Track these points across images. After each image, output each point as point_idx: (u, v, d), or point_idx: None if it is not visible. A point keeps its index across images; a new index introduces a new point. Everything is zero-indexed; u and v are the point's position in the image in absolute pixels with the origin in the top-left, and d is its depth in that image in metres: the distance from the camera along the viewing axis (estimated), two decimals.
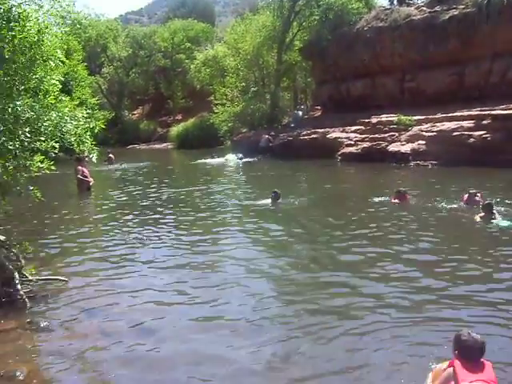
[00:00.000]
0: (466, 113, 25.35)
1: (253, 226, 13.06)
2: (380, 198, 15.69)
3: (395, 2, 37.37)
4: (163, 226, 13.10)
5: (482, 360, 4.63)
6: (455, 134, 24.39)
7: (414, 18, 30.59)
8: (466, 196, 14.25)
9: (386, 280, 8.43)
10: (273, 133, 36.16)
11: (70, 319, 7.27)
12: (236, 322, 7.00)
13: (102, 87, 63.44)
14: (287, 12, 39.14)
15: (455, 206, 14.23)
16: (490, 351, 4.89)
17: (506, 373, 5.40)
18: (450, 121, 25.50)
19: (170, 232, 12.33)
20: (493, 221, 12.09)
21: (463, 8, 28.40)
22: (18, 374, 5.78)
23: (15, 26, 7.61)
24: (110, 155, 32.31)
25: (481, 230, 11.92)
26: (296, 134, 33.48)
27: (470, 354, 4.64)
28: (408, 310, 7.20)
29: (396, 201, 15.03)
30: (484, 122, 23.97)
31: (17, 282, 7.89)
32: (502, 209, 13.21)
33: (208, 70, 50.80)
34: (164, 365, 5.95)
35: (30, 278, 8.48)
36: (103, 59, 65.71)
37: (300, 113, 38.69)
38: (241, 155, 33.02)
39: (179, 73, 62.51)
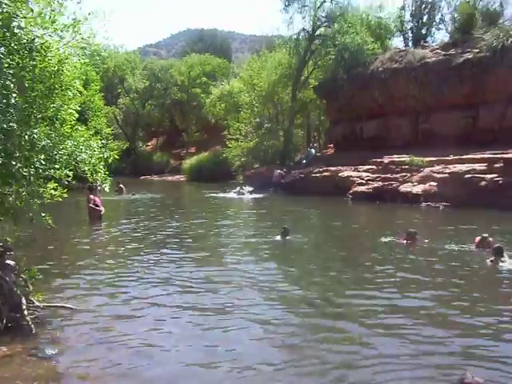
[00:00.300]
0: (478, 155, 25.38)
1: (260, 262, 13.03)
2: (389, 239, 15.63)
3: (410, 44, 37.83)
4: (171, 261, 13.05)
5: None
6: (467, 176, 24.38)
7: (428, 60, 30.90)
8: (478, 239, 14.17)
9: (387, 328, 8.35)
10: (285, 169, 36.34)
11: (75, 347, 7.26)
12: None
13: (118, 118, 64.19)
14: (303, 50, 39.67)
15: (466, 248, 14.16)
16: None
17: None
18: (463, 163, 25.51)
19: (177, 267, 12.26)
20: (503, 264, 12.02)
21: (477, 52, 28.69)
22: None
23: (37, 55, 7.77)
24: (121, 185, 32.52)
25: (490, 273, 11.83)
26: (308, 171, 33.58)
27: None
28: (408, 357, 7.12)
29: (405, 242, 14.96)
30: (496, 165, 23.98)
31: (24, 307, 7.91)
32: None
33: (223, 105, 51.41)
34: None
35: (38, 304, 8.49)
36: (120, 90, 66.59)
37: (313, 151, 38.85)
38: (251, 189, 33.03)
39: (194, 106, 63.21)
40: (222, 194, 32.70)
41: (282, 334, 7.71)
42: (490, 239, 13.87)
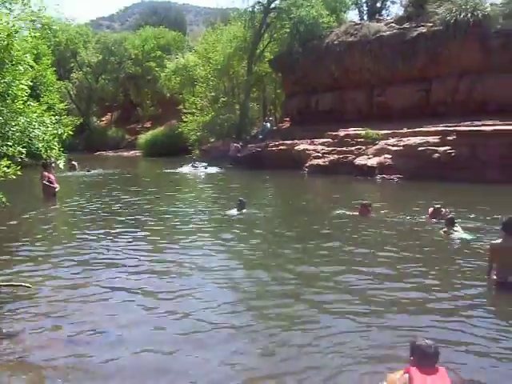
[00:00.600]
0: (431, 128, 25.77)
1: (216, 235, 13.07)
2: (343, 211, 15.82)
3: (365, 18, 38.01)
4: (128, 234, 13.02)
5: (436, 366, 4.78)
6: (421, 148, 24.77)
7: (383, 33, 31.07)
8: (431, 210, 14.47)
9: (343, 291, 8.51)
10: (241, 143, 36.31)
11: (33, 326, 7.20)
12: (198, 333, 7.01)
13: (71, 93, 63.00)
14: (258, 24, 39.51)
15: (419, 220, 14.46)
16: (443, 357, 5.06)
17: (459, 376, 5.55)
18: (416, 136, 25.89)
19: (130, 245, 12.18)
20: (455, 234, 12.32)
21: (431, 26, 28.96)
22: None
23: None
24: (73, 162, 31.94)
25: (443, 243, 12.10)
26: (264, 145, 33.63)
27: (425, 359, 4.80)
28: (364, 318, 7.29)
29: (359, 214, 15.15)
30: (449, 137, 24.40)
31: None
32: (465, 224, 13.44)
33: (178, 79, 50.95)
34: (127, 375, 5.94)
35: None
36: (73, 64, 65.24)
37: (268, 125, 38.78)
38: (205, 164, 32.87)
39: (149, 80, 62.50)
40: (177, 169, 32.49)
41: (231, 315, 7.71)
42: (443, 210, 14.19)
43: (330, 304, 7.96)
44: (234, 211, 15.54)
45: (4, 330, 6.99)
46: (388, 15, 37.60)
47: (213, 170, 32.03)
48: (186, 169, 32.44)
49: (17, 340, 6.79)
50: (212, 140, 41.12)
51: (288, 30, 37.30)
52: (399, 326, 7.07)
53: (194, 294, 8.46)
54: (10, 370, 6.07)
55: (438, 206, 14.42)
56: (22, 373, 6.00)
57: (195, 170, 31.84)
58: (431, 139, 24.95)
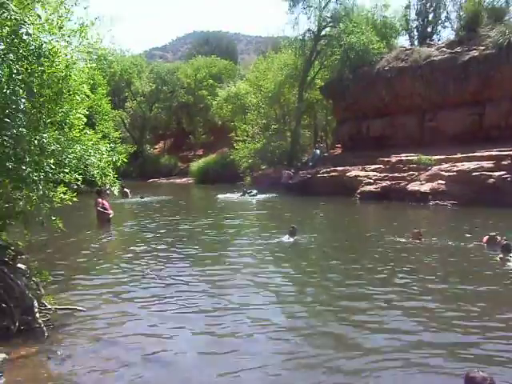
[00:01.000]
0: (485, 153, 25.35)
1: (266, 263, 13.05)
2: (396, 237, 15.67)
3: (416, 43, 37.80)
4: (179, 263, 13.12)
5: None
6: (475, 174, 24.36)
7: (434, 58, 30.87)
8: (486, 238, 14.16)
9: (392, 331, 8.43)
10: (293, 170, 36.37)
11: (86, 349, 7.35)
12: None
13: (125, 121, 64.33)
14: (309, 51, 39.71)
15: (474, 247, 14.18)
16: None
17: None
18: (470, 161, 25.50)
19: (186, 267, 12.35)
20: (511, 262, 12.06)
21: (483, 49, 28.65)
22: None
23: (45, 61, 7.87)
24: (126, 189, 32.33)
25: (498, 270, 11.84)
26: (315, 172, 33.61)
27: None
28: (420, 351, 7.20)
29: (411, 240, 15.02)
30: (504, 162, 23.96)
31: (36, 310, 8.00)
32: None
33: (230, 107, 51.44)
34: None
35: (49, 306, 8.59)
36: (127, 94, 66.77)
37: (318, 151, 38.74)
38: (255, 191, 32.97)
39: (201, 109, 63.31)
40: (229, 195, 32.66)
41: (285, 339, 7.73)
42: (498, 238, 13.87)
43: (389, 332, 7.88)
44: (286, 238, 15.53)
45: (58, 352, 7.14)
46: (439, 40, 37.30)
47: (264, 196, 32.09)
48: (237, 196, 32.53)
49: (69, 361, 6.93)
50: (263, 167, 41.24)
51: (338, 57, 37.39)
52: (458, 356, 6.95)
53: (241, 314, 8.50)
54: None
55: (494, 234, 14.10)
56: None
57: (245, 197, 31.91)
58: (485, 164, 24.53)
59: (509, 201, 21.75)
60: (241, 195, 32.48)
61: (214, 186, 42.41)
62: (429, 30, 38.66)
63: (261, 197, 31.87)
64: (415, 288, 10.19)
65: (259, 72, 46.78)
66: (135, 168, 57.56)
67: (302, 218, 22.16)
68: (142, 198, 31.90)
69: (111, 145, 10.11)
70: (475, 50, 29.17)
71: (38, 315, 7.96)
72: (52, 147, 8.04)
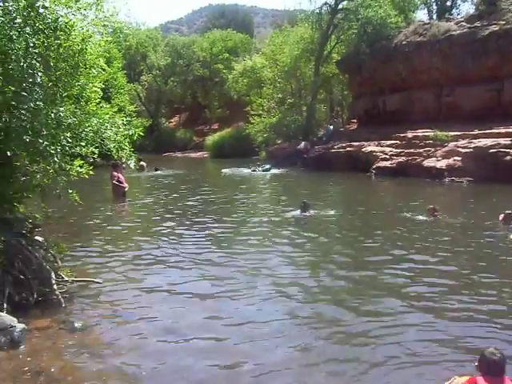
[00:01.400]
0: (503, 130, 25.12)
1: (279, 236, 13.11)
2: (411, 213, 15.65)
3: (434, 17, 37.31)
4: (192, 238, 13.16)
5: (504, 376, 4.67)
6: (492, 151, 24.18)
7: (453, 33, 30.44)
8: (502, 216, 14.07)
9: (410, 298, 8.45)
10: (309, 144, 36.35)
11: (103, 320, 7.47)
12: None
13: (141, 95, 64.20)
14: (325, 25, 39.32)
15: (490, 224, 14.13)
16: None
17: None
18: (487, 137, 25.28)
19: (198, 245, 12.38)
20: None
21: (504, 24, 28.19)
22: (52, 369, 5.98)
23: (61, 34, 7.88)
24: (142, 163, 32.45)
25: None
26: (330, 147, 33.54)
27: (491, 367, 4.68)
28: (431, 324, 7.23)
29: (426, 216, 14.99)
30: None
31: (53, 282, 8.11)
32: None
33: (245, 81, 51.16)
34: (192, 372, 6.08)
35: (66, 278, 8.70)
36: (142, 67, 66.55)
37: (331, 127, 38.61)
38: (269, 166, 32.89)
39: (217, 83, 63.02)
40: (243, 170, 32.58)
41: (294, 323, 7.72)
42: None
43: (390, 315, 7.90)
44: (298, 212, 15.55)
45: (75, 324, 7.25)
46: (458, 14, 36.85)
47: (278, 171, 32.06)
48: (251, 170, 32.52)
49: (86, 332, 7.04)
50: (279, 142, 41.15)
51: (355, 31, 37.05)
52: (467, 335, 6.97)
53: (256, 299, 8.53)
54: (81, 360, 6.31)
55: (510, 211, 13.98)
56: (91, 363, 6.21)
57: (257, 172, 31.91)
58: (503, 141, 24.31)
59: None
60: (252, 170, 32.43)
61: (229, 160, 42.33)
62: (448, 3, 38.18)
63: (274, 171, 31.82)
64: (427, 267, 10.20)
65: (275, 46, 46.46)
66: (150, 142, 57.55)
67: (315, 193, 22.15)
68: (156, 170, 32.00)
69: (127, 118, 10.11)
70: (495, 24, 28.70)
71: (55, 287, 8.06)
72: (69, 121, 8.07)
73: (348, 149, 32.07)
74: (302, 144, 35.77)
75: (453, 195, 22.32)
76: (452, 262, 10.42)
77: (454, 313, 7.64)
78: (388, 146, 29.90)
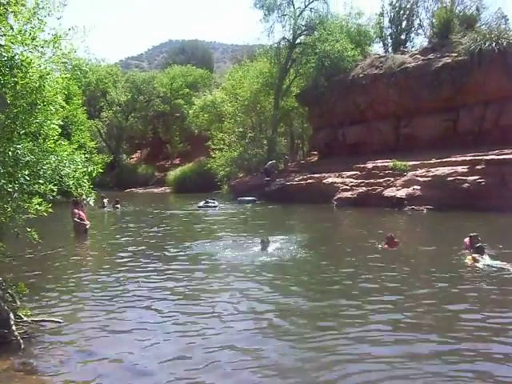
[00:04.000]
0: (460, 158, 25.69)
1: (240, 272, 12.94)
2: (372, 243, 15.76)
3: (390, 50, 38.21)
4: (155, 269, 13.01)
5: None
6: (450, 178, 24.70)
7: (408, 65, 31.28)
8: (468, 239, 14.21)
9: (373, 328, 8.49)
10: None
11: (63, 361, 7.27)
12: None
13: (101, 131, 64.03)
14: (284, 59, 40.05)
15: (447, 250, 14.35)
16: None
17: None
18: (445, 166, 25.84)
19: (159, 281, 12.20)
20: (483, 261, 12.29)
21: (456, 56, 29.10)
22: None
23: (17, 72, 7.84)
24: (104, 200, 32.24)
25: (471, 271, 12.04)
26: (292, 179, 33.81)
27: None
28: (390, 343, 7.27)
29: (386, 246, 15.11)
30: (478, 166, 24.30)
31: (12, 323, 7.92)
32: (493, 252, 13.38)
33: (206, 116, 51.49)
34: None
35: (25, 319, 8.50)
36: (103, 103, 66.49)
37: (272, 162, 38.74)
38: (216, 202, 31.71)
39: (177, 118, 63.36)
40: (201, 205, 31.82)
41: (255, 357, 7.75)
42: (479, 238, 13.93)
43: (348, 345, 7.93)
44: (258, 249, 15.23)
45: (34, 365, 7.09)
46: (413, 47, 37.75)
47: (240, 204, 31.95)
48: (201, 204, 31.53)
49: (46, 374, 6.88)
50: (240, 175, 41.31)
51: (313, 65, 37.68)
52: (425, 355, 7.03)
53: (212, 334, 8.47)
54: None
55: (475, 234, 14.18)
56: None
57: (204, 208, 30.97)
58: (460, 169, 24.88)
59: (483, 205, 22.07)
60: (200, 206, 31.36)
61: (191, 194, 42.15)
62: (402, 37, 39.10)
63: (236, 205, 31.53)
64: (389, 296, 10.27)
65: (235, 80, 46.89)
66: (112, 178, 57.33)
67: (277, 225, 22.16)
68: (116, 204, 31.64)
69: (87, 155, 10.06)
70: (448, 56, 29.63)
71: (14, 328, 7.88)
72: (26, 158, 7.99)
73: (309, 181, 32.36)
74: (271, 162, 36.29)
75: (413, 223, 22.59)
76: (409, 288, 10.50)
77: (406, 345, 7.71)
78: (348, 176, 30.25)
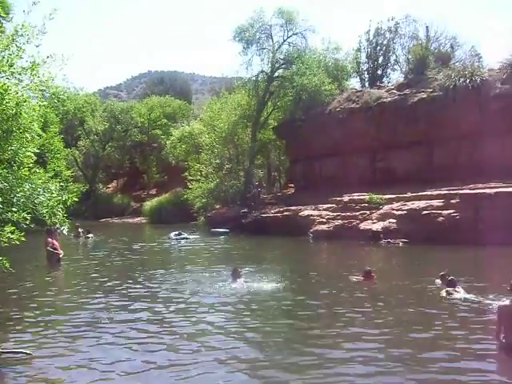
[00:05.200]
0: (435, 192, 25.94)
1: (210, 305, 12.67)
2: (348, 277, 15.72)
3: (367, 85, 38.75)
4: (128, 303, 12.76)
5: None
6: (425, 212, 24.89)
7: (384, 100, 31.74)
8: (440, 278, 14.34)
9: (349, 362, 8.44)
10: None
11: None
12: None
13: (78, 160, 63.54)
14: (262, 92, 40.32)
15: (422, 285, 14.43)
16: None
17: None
18: (420, 199, 26.06)
19: (135, 310, 12.03)
20: (456, 295, 12.44)
21: (431, 91, 29.66)
22: None
23: None
24: (79, 230, 31.87)
25: (445, 303, 12.13)
26: (268, 211, 33.85)
27: None
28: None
29: (362, 279, 15.12)
30: (452, 201, 24.55)
31: None
32: (466, 285, 13.50)
33: (183, 146, 51.43)
34: None
35: None
36: (80, 132, 66.16)
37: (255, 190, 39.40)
38: (185, 234, 31.22)
39: (155, 148, 63.29)
40: (172, 236, 31.27)
41: None
42: (449, 276, 14.05)
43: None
44: (230, 280, 15.09)
45: None
46: (389, 82, 38.39)
47: (216, 237, 31.80)
48: (172, 235, 30.95)
49: None
50: (217, 206, 41.18)
51: (291, 98, 38.14)
52: None
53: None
54: None
55: (443, 272, 14.33)
56: None
57: (181, 238, 30.67)
58: (435, 203, 25.11)
59: (457, 238, 22.20)
60: (171, 238, 30.80)
61: (167, 225, 41.79)
62: (379, 72, 39.71)
63: (195, 239, 31.11)
64: (366, 329, 10.25)
65: (213, 112, 47.04)
66: (87, 207, 56.76)
67: (251, 259, 21.95)
68: (88, 234, 31.31)
69: (62, 184, 9.97)
70: (423, 92, 30.19)
71: None
72: (0, 185, 7.90)
73: (285, 213, 32.38)
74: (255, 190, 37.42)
75: (388, 257, 22.68)
76: (385, 324, 10.48)
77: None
78: (325, 209, 30.31)
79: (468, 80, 28.07)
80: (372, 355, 8.46)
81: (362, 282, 14.99)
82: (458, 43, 35.43)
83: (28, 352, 8.57)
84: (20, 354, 8.53)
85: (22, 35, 8.39)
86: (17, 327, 10.44)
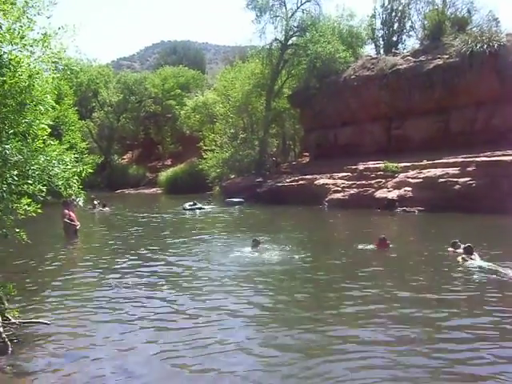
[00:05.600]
0: (451, 160, 25.75)
1: (230, 274, 12.77)
2: (363, 245, 15.70)
3: (382, 52, 38.27)
4: (146, 272, 12.91)
5: None
6: (441, 180, 24.74)
7: (399, 67, 31.32)
8: (451, 249, 14.30)
9: (366, 324, 8.46)
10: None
11: (52, 363, 7.20)
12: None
13: (93, 132, 63.69)
14: (276, 60, 39.98)
15: (438, 252, 14.38)
16: None
17: None
18: (436, 167, 25.88)
19: (153, 278, 12.15)
20: (473, 262, 12.47)
21: (447, 58, 29.19)
22: None
23: (6, 71, 7.76)
24: (95, 202, 31.93)
25: (461, 270, 12.10)
26: (283, 180, 33.80)
27: None
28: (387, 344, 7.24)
29: (377, 247, 15.11)
30: (469, 168, 24.38)
31: (0, 325, 7.84)
32: (482, 252, 13.45)
33: (198, 117, 51.39)
34: None
35: (13, 320, 8.40)
36: (94, 104, 66.23)
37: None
38: (200, 205, 31.22)
39: (169, 119, 63.18)
40: (187, 207, 31.41)
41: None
42: (460, 245, 13.99)
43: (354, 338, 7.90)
44: (249, 249, 15.27)
45: (22, 367, 7.01)
46: (404, 49, 37.91)
47: (231, 206, 31.98)
48: (187, 206, 31.13)
49: (34, 376, 6.80)
50: (232, 176, 41.21)
51: (305, 66, 37.78)
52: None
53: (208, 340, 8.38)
54: None
55: (454, 240, 14.29)
56: None
57: (209, 207, 31.37)
58: (451, 171, 24.93)
59: (474, 206, 22.08)
60: (186, 208, 30.93)
61: (183, 195, 41.89)
62: (394, 39, 39.21)
63: (228, 207, 31.38)
64: (380, 296, 10.25)
65: (227, 81, 46.89)
66: (103, 179, 57.04)
67: (269, 228, 22.05)
68: (104, 206, 31.38)
69: (77, 155, 9.97)
70: (439, 58, 29.72)
71: (1, 329, 7.79)
72: (15, 158, 7.90)
73: (300, 182, 32.36)
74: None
75: (404, 225, 22.62)
76: (403, 291, 10.48)
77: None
78: (340, 178, 30.27)
79: (485, 46, 27.54)
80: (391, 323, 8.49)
81: (376, 250, 15.00)
82: (475, 8, 34.74)
83: (46, 322, 8.67)
84: (39, 324, 8.63)
85: (32, 7, 8.31)
86: (35, 298, 10.55)
